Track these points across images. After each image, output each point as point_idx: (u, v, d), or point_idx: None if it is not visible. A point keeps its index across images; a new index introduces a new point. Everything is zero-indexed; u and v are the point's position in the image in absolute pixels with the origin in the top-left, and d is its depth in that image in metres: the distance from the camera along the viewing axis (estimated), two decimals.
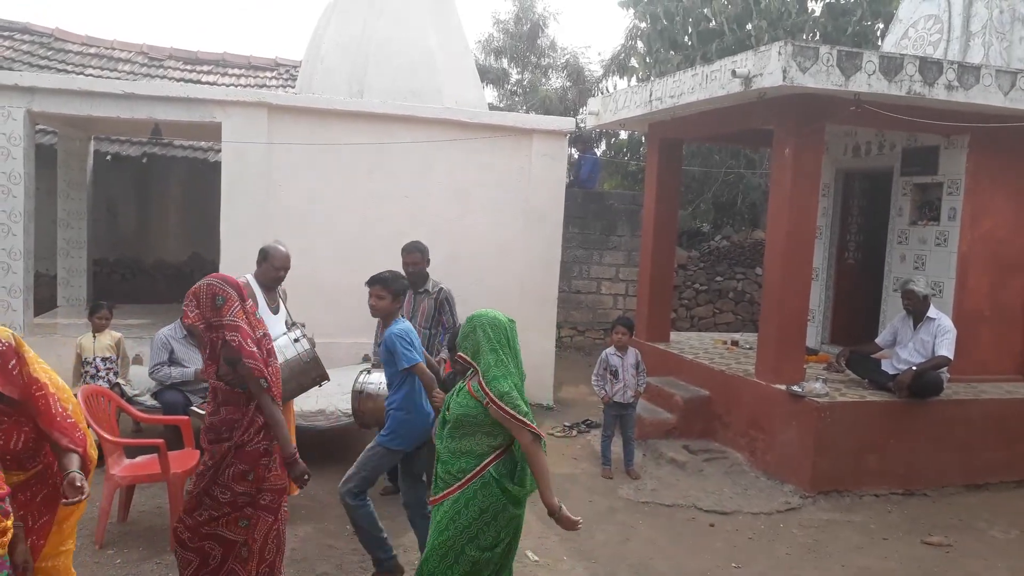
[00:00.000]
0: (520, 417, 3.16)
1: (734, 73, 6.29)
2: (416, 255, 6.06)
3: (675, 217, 9.12)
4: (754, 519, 5.77)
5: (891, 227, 8.19)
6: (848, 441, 6.23)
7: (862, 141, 8.59)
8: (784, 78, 5.90)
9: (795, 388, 6.36)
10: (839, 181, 9.05)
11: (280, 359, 4.83)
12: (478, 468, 3.24)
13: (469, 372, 3.36)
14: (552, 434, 7.61)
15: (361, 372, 5.72)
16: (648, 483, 6.40)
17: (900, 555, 5.25)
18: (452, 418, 3.30)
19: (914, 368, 6.32)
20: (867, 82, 6.09)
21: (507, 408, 3.16)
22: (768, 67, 6.02)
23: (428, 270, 6.25)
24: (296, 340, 4.98)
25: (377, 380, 5.56)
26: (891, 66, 6.14)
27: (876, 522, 5.82)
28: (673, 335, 9.26)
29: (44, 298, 9.46)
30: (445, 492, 3.29)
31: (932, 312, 6.53)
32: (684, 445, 7.07)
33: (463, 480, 3.24)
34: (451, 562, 3.24)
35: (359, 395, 5.56)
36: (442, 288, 6.10)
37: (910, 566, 5.09)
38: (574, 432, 7.77)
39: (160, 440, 4.93)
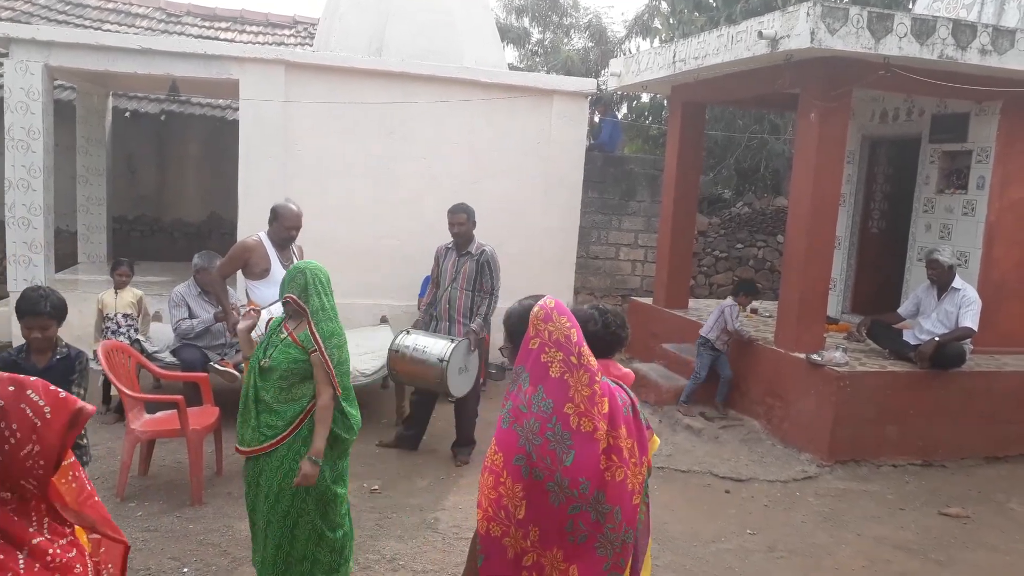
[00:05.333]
0: (331, 369, 3.44)
1: (760, 34, 6.15)
2: (461, 216, 5.94)
3: (696, 183, 9.00)
4: (770, 487, 5.76)
5: (917, 195, 8.05)
6: (867, 411, 6.18)
7: (890, 107, 8.40)
8: (812, 40, 5.76)
9: (815, 357, 6.30)
10: (865, 148, 8.87)
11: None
12: (307, 409, 3.49)
13: (286, 319, 3.59)
14: None
15: (400, 333, 5.82)
16: (663, 449, 6.39)
17: (917, 525, 5.23)
18: (278, 368, 3.48)
19: (937, 339, 6.24)
20: (898, 45, 5.93)
21: (327, 356, 3.43)
22: (796, 28, 5.87)
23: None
24: None
25: (412, 342, 5.63)
26: (923, 29, 5.97)
27: (893, 492, 5.80)
28: (692, 302, 9.20)
29: (65, 254, 9.51)
30: (277, 439, 3.48)
31: (957, 283, 6.42)
32: (701, 412, 7.04)
33: (295, 424, 3.49)
34: (303, 495, 3.51)
35: (394, 355, 5.67)
36: (485, 250, 5.94)
37: (926, 536, 5.07)
38: None
39: (179, 396, 4.97)
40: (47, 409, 1.55)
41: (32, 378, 1.59)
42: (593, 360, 2.17)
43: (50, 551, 1.59)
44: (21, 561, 1.53)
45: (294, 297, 3.50)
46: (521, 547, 2.16)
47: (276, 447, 3.49)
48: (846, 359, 6.28)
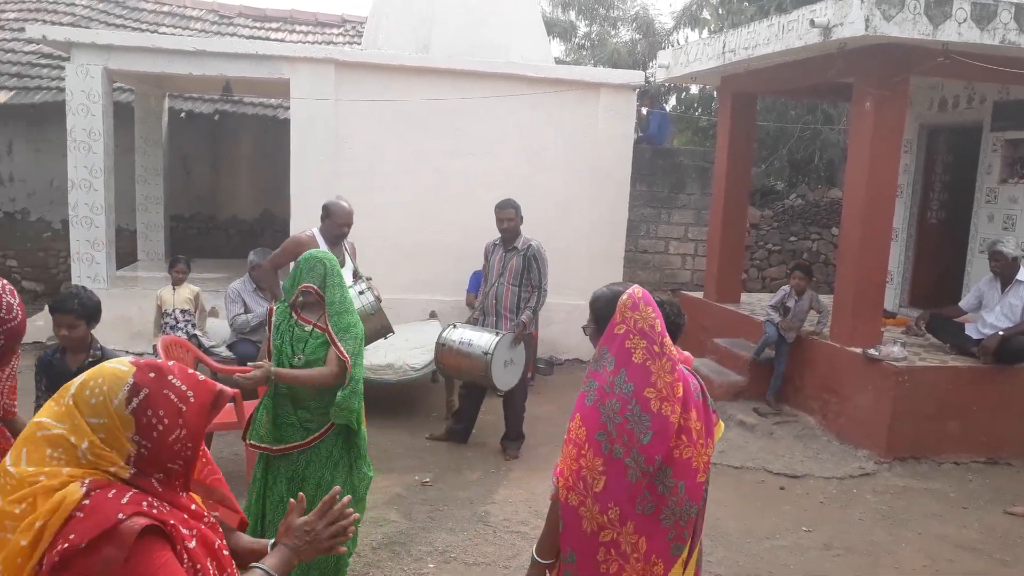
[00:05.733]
0: (347, 359, 3.44)
1: (812, 23, 6.02)
2: (510, 211, 5.92)
3: (748, 175, 8.86)
4: (826, 483, 5.65)
5: (978, 185, 7.81)
6: (927, 407, 6.02)
7: (949, 94, 8.16)
8: (867, 27, 5.62)
9: (871, 351, 6.16)
10: (923, 137, 8.65)
11: None
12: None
13: (300, 311, 3.57)
14: None
15: (447, 327, 5.85)
16: (716, 445, 6.31)
17: (980, 524, 5.08)
18: (317, 363, 3.49)
19: (1001, 333, 6.04)
20: (957, 31, 5.76)
21: (341, 348, 3.44)
22: (849, 16, 5.73)
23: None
24: (361, 293, 5.11)
25: (458, 336, 5.66)
26: (984, 13, 5.78)
27: (956, 490, 5.64)
28: (744, 296, 9.06)
29: (125, 252, 9.78)
30: (324, 430, 3.54)
31: (1022, 275, 6.21)
32: (754, 407, 6.94)
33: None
34: (347, 486, 3.57)
35: (441, 348, 5.70)
36: (531, 245, 5.92)
37: (990, 536, 4.92)
38: None
39: (236, 390, 5.06)
40: (190, 393, 1.57)
41: (169, 362, 1.62)
42: (673, 349, 2.34)
43: (204, 514, 1.68)
44: (187, 518, 1.61)
45: (316, 287, 3.50)
46: (598, 522, 2.29)
47: (324, 437, 3.55)
48: (904, 353, 6.12)
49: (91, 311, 3.54)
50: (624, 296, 2.34)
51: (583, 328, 2.66)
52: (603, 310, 2.46)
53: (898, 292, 8.70)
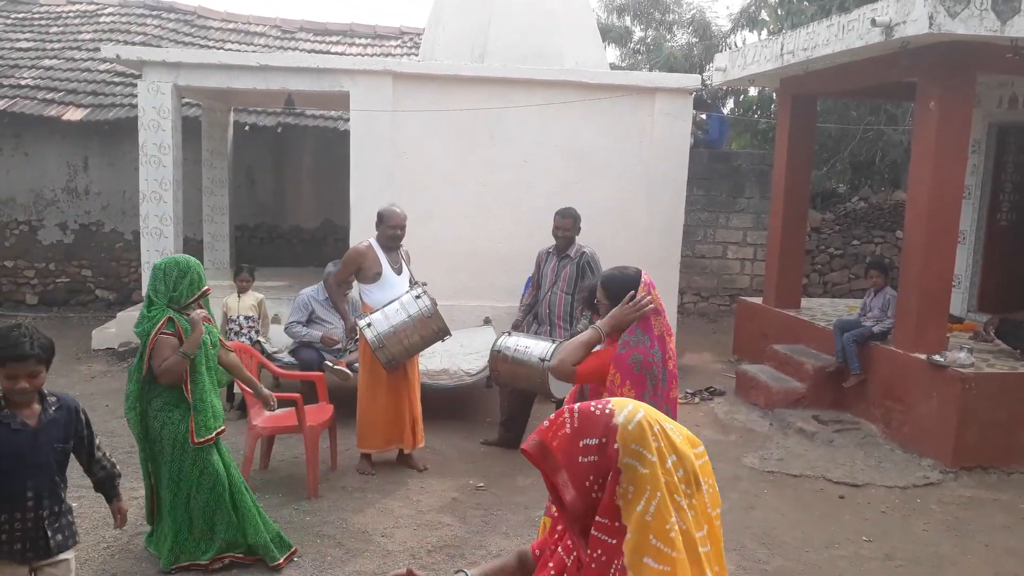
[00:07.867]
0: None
1: (874, 22, 5.91)
2: (568, 221, 5.98)
3: (808, 177, 8.71)
4: (888, 493, 5.52)
5: None
6: (996, 414, 5.83)
7: (1020, 91, 7.89)
8: (930, 25, 5.49)
9: (936, 357, 5.99)
10: (992, 136, 8.37)
11: (403, 314, 5.11)
12: None
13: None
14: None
15: (502, 334, 5.87)
16: (774, 452, 6.23)
17: None
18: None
19: None
20: None
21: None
22: (912, 14, 5.61)
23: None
24: (418, 297, 5.21)
25: (513, 343, 5.67)
26: None
27: None
28: (804, 301, 8.91)
29: None
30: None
31: None
32: (814, 415, 6.82)
33: None
34: None
35: (496, 355, 5.72)
36: (584, 252, 5.96)
37: None
38: (696, 399, 7.64)
39: (297, 395, 5.21)
40: None
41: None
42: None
43: None
44: None
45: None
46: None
47: None
48: (971, 360, 5.94)
49: (50, 351, 2.82)
50: (642, 284, 2.98)
51: (596, 303, 3.19)
52: (619, 290, 3.02)
53: (966, 297, 8.44)
